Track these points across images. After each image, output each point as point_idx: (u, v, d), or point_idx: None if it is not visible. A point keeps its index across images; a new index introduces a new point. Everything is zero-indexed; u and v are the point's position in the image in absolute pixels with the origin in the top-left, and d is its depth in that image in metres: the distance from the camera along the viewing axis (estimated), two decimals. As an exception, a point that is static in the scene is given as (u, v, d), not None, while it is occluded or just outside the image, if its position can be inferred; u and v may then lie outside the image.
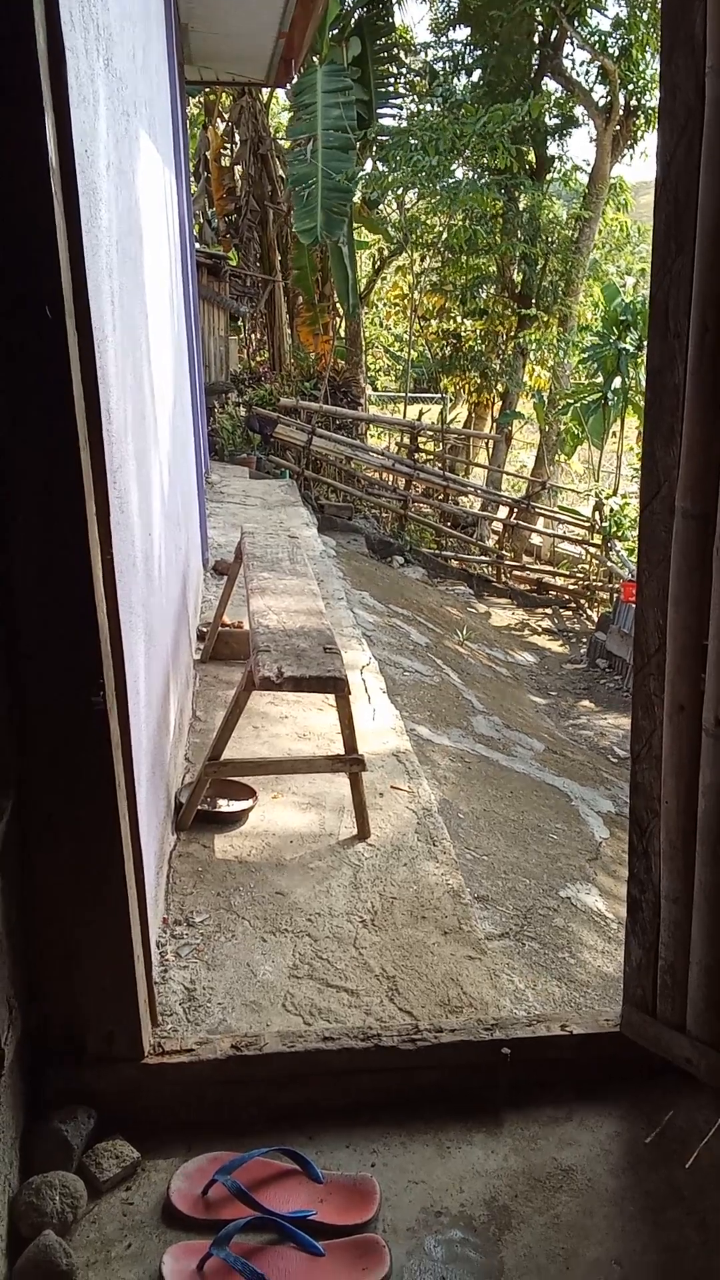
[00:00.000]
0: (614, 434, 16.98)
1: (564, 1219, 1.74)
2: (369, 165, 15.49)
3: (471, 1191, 1.79)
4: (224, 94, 15.99)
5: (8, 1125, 1.59)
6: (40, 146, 1.34)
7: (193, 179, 14.46)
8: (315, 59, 13.76)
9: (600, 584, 13.96)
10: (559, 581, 14.76)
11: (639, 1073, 2.01)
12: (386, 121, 15.64)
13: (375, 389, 21.87)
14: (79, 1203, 1.66)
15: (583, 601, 13.97)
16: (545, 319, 16.29)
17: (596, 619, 12.34)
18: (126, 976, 1.77)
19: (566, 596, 14.27)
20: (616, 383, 15.28)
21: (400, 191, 15.77)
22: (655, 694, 1.79)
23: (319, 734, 4.15)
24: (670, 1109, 1.94)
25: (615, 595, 12.07)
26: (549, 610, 13.51)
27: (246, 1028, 2.35)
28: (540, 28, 15.57)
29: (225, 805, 3.42)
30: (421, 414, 19.99)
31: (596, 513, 14.57)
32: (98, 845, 1.68)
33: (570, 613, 13.64)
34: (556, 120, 15.54)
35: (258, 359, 17.79)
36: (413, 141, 13.54)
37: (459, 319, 18.74)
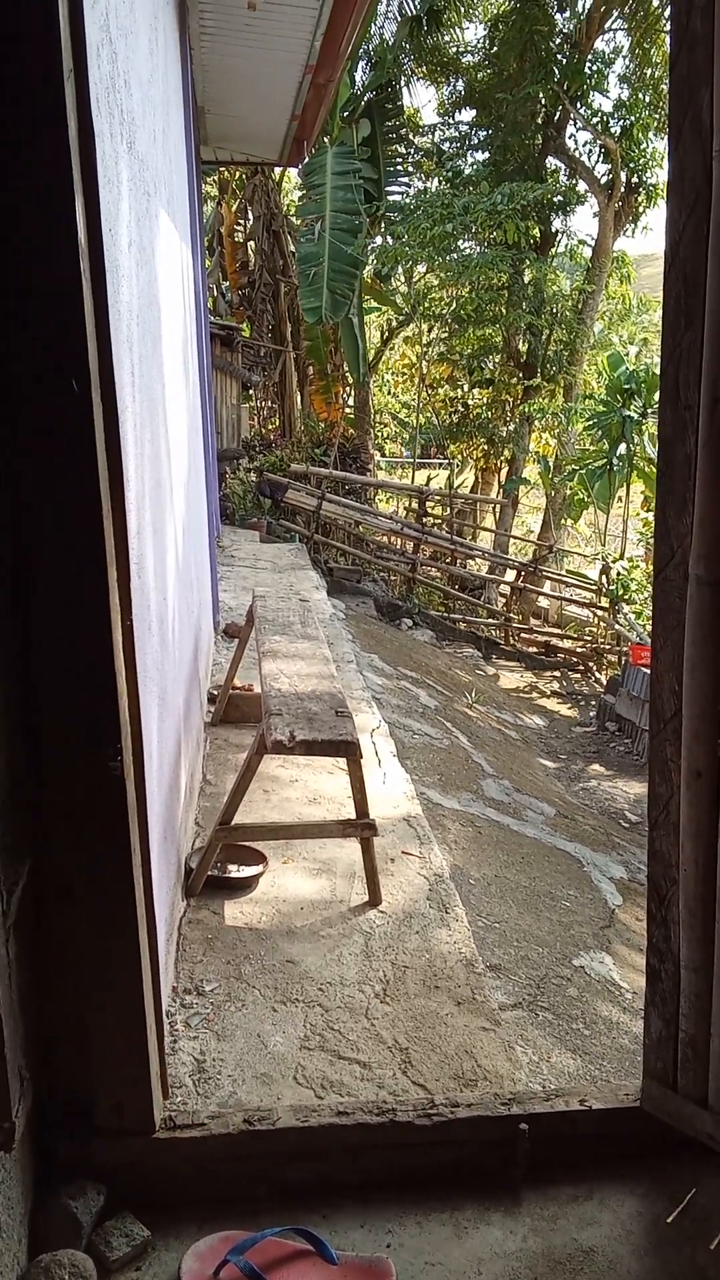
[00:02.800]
0: (620, 499, 17.12)
1: (586, 1305, 1.69)
2: (378, 240, 15.89)
3: (490, 1274, 1.74)
4: (238, 172, 16.49)
5: (17, 1201, 1.56)
6: (70, 227, 1.39)
7: (207, 253, 14.86)
8: (326, 139, 14.22)
9: (608, 647, 13.97)
10: (567, 644, 14.77)
11: (660, 1148, 1.96)
12: (395, 199, 16.11)
13: (384, 455, 22.17)
14: (87, 1284, 1.61)
15: (591, 664, 13.96)
16: (551, 388, 16.56)
17: (605, 682, 12.31)
18: (138, 1047, 1.75)
19: (575, 659, 14.26)
20: (621, 449, 15.45)
21: (409, 264, 16.17)
22: (672, 760, 1.78)
23: (329, 798, 4.13)
24: (693, 1186, 1.88)
25: (624, 658, 12.05)
26: (557, 673, 13.50)
27: (257, 1101, 2.31)
28: (544, 109, 16.10)
29: (235, 871, 3.40)
30: (429, 479, 20.24)
31: (603, 576, 14.64)
32: (112, 911, 1.67)
33: (579, 675, 13.62)
34: (560, 197, 15.97)
35: (269, 426, 18.08)
36: (423, 223, 13.93)
37: (466, 387, 19.06)
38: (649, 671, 1.86)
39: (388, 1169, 1.90)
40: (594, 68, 15.04)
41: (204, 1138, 1.82)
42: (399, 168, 16.59)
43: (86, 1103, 1.75)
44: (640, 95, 14.88)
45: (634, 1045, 3.68)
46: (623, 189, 15.45)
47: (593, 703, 11.84)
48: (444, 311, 17.21)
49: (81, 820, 1.61)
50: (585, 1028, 3.73)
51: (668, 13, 13.76)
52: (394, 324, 19.50)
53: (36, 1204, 1.67)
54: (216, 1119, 1.87)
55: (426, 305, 17.09)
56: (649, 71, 14.94)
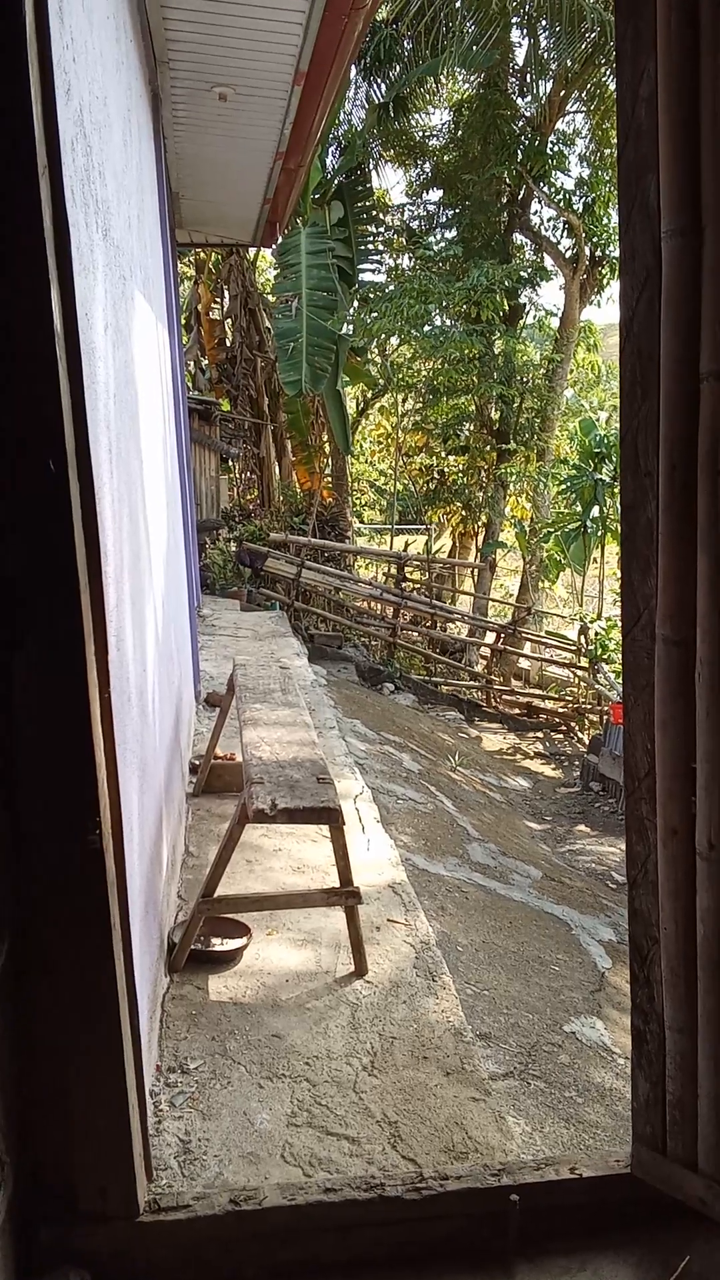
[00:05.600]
0: (595, 560, 17.36)
1: None
2: (351, 314, 16.30)
3: None
4: (214, 253, 16.94)
5: (-4, 1293, 1.52)
6: (45, 314, 1.44)
7: (185, 331, 15.18)
8: (299, 220, 14.66)
9: (589, 706, 14.02)
10: (548, 705, 14.82)
11: (653, 1215, 1.93)
12: (366, 276, 16.60)
13: (362, 522, 22.43)
14: None
15: (573, 724, 14.00)
16: (524, 453, 16.89)
17: (588, 741, 12.33)
18: (121, 1127, 1.72)
19: (557, 719, 14.30)
20: (595, 511, 15.74)
21: (384, 338, 16.57)
22: (648, 818, 1.80)
23: (313, 866, 4.10)
24: (686, 1253, 1.85)
25: (605, 717, 12.10)
26: (540, 734, 13.51)
27: (244, 1181, 2.26)
28: (508, 188, 16.69)
29: (219, 944, 3.36)
30: (407, 545, 20.46)
31: (582, 636, 14.76)
32: (93, 988, 1.65)
33: (561, 736, 13.64)
34: (527, 272, 16.48)
35: (248, 497, 18.30)
36: (404, 300, 14.33)
37: (442, 455, 19.40)
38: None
39: (378, 1246, 1.86)
40: (555, 148, 15.65)
41: (189, 1220, 1.78)
42: (370, 246, 17.11)
43: (69, 1186, 1.71)
44: (600, 173, 15.48)
45: (628, 1112, 3.62)
46: (587, 262, 15.96)
47: (576, 763, 11.84)
48: (418, 382, 17.59)
49: (61, 895, 1.61)
50: (578, 1095, 3.68)
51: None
52: (369, 395, 19.89)
53: (17, 1295, 1.63)
54: (202, 1200, 1.83)
55: (401, 377, 17.49)
56: (607, 151, 15.55)
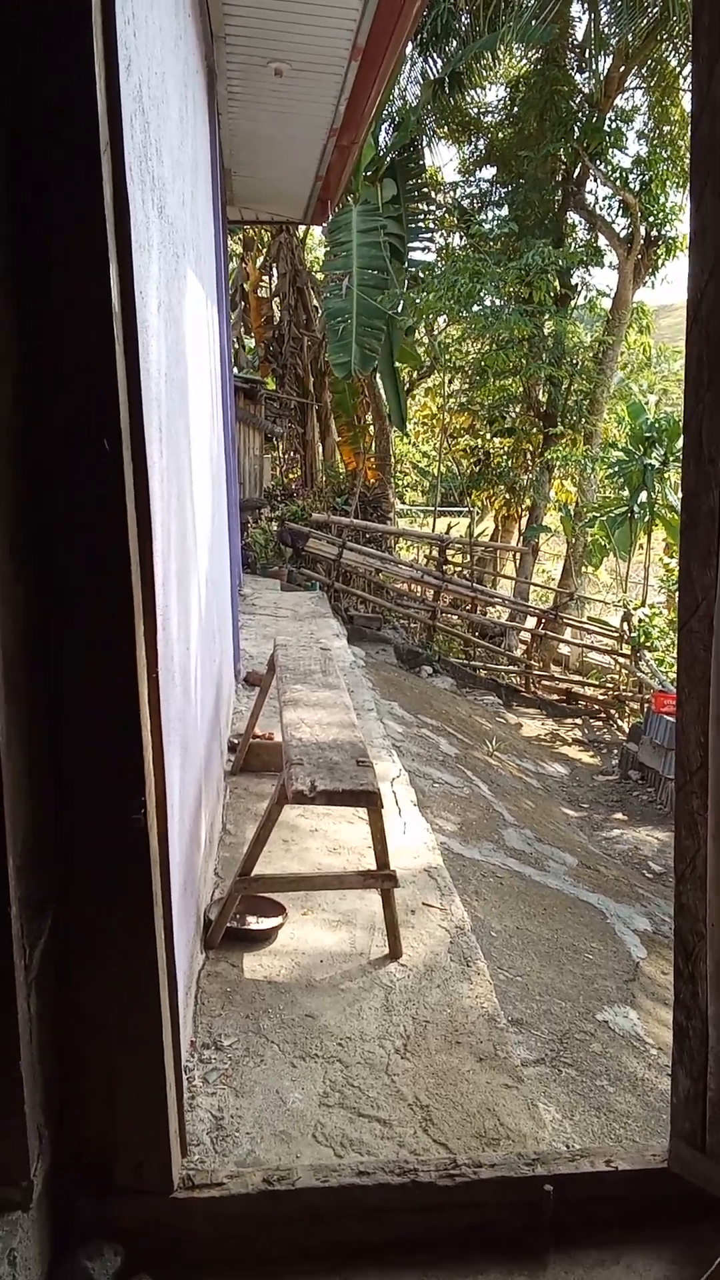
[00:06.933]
0: (641, 546, 17.14)
1: None
2: (401, 293, 16.20)
3: (514, 1345, 1.69)
4: (263, 230, 16.88)
5: (34, 1260, 1.54)
6: (104, 293, 1.43)
7: (231, 309, 15.17)
8: (350, 198, 14.54)
9: (630, 694, 13.89)
10: (588, 691, 14.71)
11: (690, 1211, 1.91)
12: (417, 255, 16.47)
13: (404, 503, 22.35)
14: (103, 1348, 1.58)
15: (613, 712, 13.88)
16: (571, 436, 16.69)
17: (627, 729, 12.22)
18: (158, 1103, 1.73)
19: (596, 706, 14.19)
20: (643, 496, 15.53)
21: (431, 318, 16.44)
22: (698, 812, 1.77)
23: (350, 848, 4.11)
24: (722, 1254, 1.83)
25: (646, 706, 11.99)
26: (579, 721, 13.42)
27: (276, 1159, 2.28)
28: (564, 166, 16.44)
29: (255, 923, 3.38)
30: (450, 527, 20.36)
31: (625, 623, 14.61)
32: (133, 965, 1.66)
33: (600, 723, 13.54)
34: (583, 253, 16.23)
35: (290, 476, 18.31)
36: (456, 279, 14.19)
37: (487, 436, 19.25)
38: (674, 723, 1.85)
39: (408, 1231, 1.86)
40: (613, 125, 15.37)
41: (223, 1198, 1.79)
42: (422, 224, 16.95)
43: (105, 1162, 1.73)
44: (659, 151, 15.19)
45: (660, 1103, 3.60)
46: (642, 242, 15.69)
47: (615, 750, 11.76)
48: (465, 364, 17.44)
49: (104, 874, 1.61)
50: (609, 1084, 3.66)
51: (685, 72, 14.19)
52: (415, 376, 19.77)
53: (53, 1265, 1.65)
54: (235, 1178, 1.84)
55: (448, 358, 17.34)
56: (666, 129, 15.25)
